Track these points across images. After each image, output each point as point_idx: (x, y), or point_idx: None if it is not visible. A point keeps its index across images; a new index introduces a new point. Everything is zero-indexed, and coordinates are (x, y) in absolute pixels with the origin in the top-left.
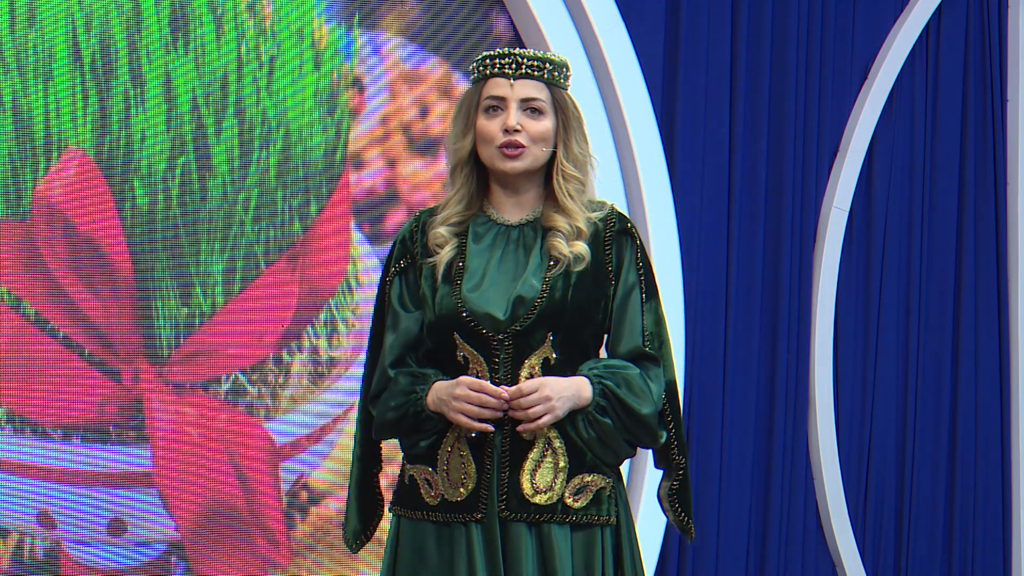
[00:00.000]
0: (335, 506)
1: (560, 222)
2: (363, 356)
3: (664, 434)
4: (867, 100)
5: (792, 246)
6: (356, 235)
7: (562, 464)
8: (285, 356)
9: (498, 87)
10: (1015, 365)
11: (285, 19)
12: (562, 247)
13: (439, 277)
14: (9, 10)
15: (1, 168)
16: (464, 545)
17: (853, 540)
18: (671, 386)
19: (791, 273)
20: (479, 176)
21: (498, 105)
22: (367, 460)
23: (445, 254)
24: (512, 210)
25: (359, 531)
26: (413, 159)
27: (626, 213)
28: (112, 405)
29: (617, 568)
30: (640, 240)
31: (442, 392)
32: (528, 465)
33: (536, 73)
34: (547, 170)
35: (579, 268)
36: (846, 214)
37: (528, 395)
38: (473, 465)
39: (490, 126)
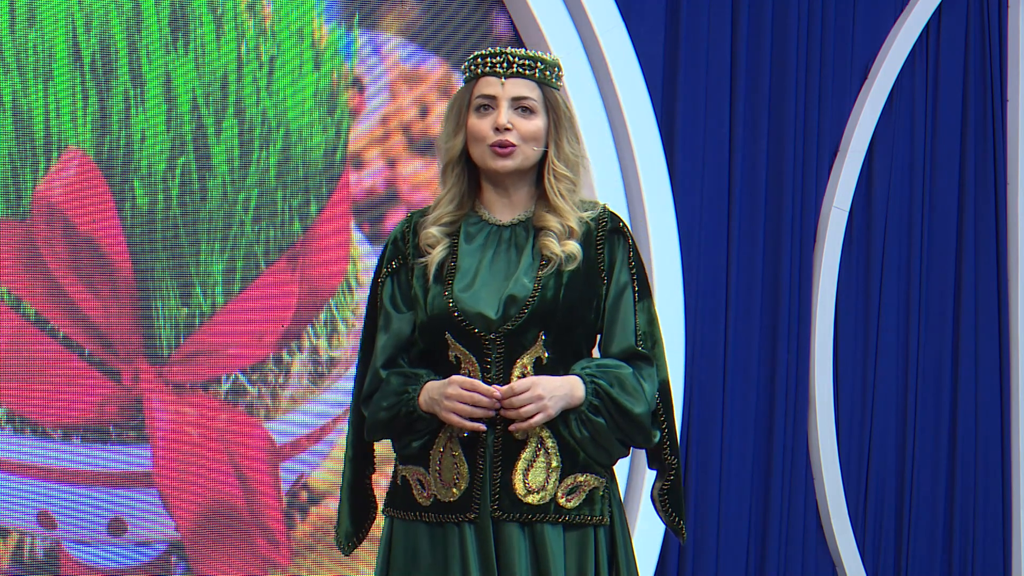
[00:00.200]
0: (335, 506)
1: (552, 222)
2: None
3: (657, 434)
4: (867, 100)
5: (792, 246)
6: (356, 235)
7: (555, 464)
8: (285, 356)
9: (489, 86)
10: (1015, 365)
11: (285, 19)
12: (554, 246)
13: (431, 277)
14: (9, 10)
15: (1, 168)
16: (457, 546)
17: (853, 540)
18: (664, 386)
19: (791, 273)
20: (470, 175)
21: (489, 104)
22: (359, 461)
23: (437, 254)
24: (504, 210)
25: (351, 533)
26: (413, 159)
27: (625, 213)
28: (112, 405)
29: (612, 569)
30: (632, 240)
31: (434, 392)
32: (520, 465)
33: (527, 72)
34: (538, 170)
35: (571, 267)
36: (846, 214)
37: (520, 394)
38: (466, 465)
39: (481, 125)
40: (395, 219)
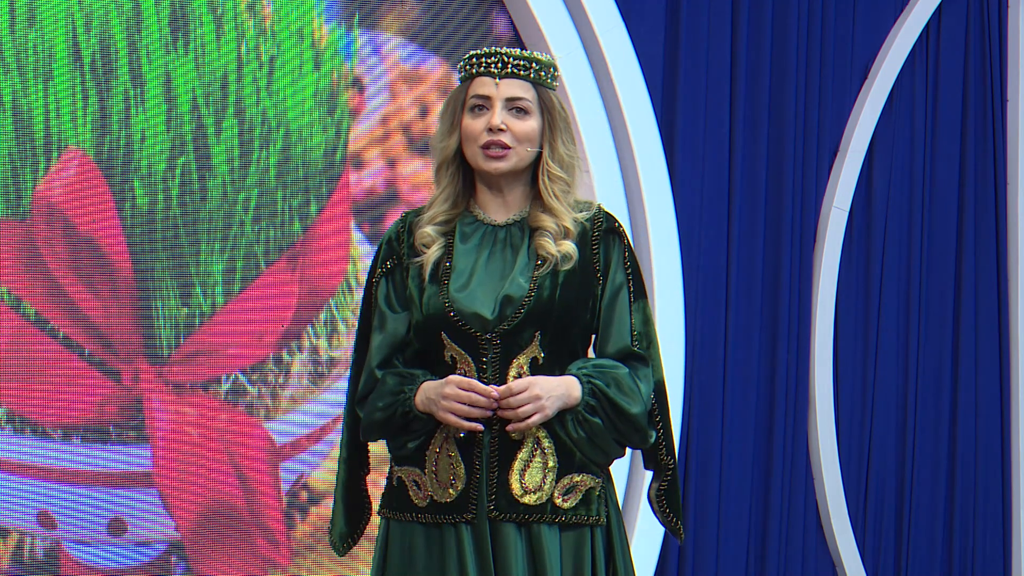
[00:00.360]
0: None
1: (547, 222)
2: None
3: (653, 434)
4: (867, 100)
5: (792, 246)
6: (356, 235)
7: (551, 464)
8: (285, 356)
9: (484, 86)
10: (1015, 365)
11: (285, 19)
12: (550, 246)
13: (426, 277)
14: (9, 10)
15: (1, 168)
16: (454, 546)
17: (853, 540)
18: (660, 386)
19: (791, 273)
20: (465, 175)
21: (483, 104)
22: (353, 462)
23: (432, 253)
24: (498, 210)
25: (346, 533)
26: (413, 159)
27: (625, 213)
28: (112, 405)
29: (609, 569)
30: (628, 240)
31: (431, 392)
32: (517, 465)
33: (522, 72)
34: (533, 170)
35: (567, 267)
36: (846, 214)
37: (518, 394)
38: (462, 466)
39: (475, 125)
40: (395, 219)
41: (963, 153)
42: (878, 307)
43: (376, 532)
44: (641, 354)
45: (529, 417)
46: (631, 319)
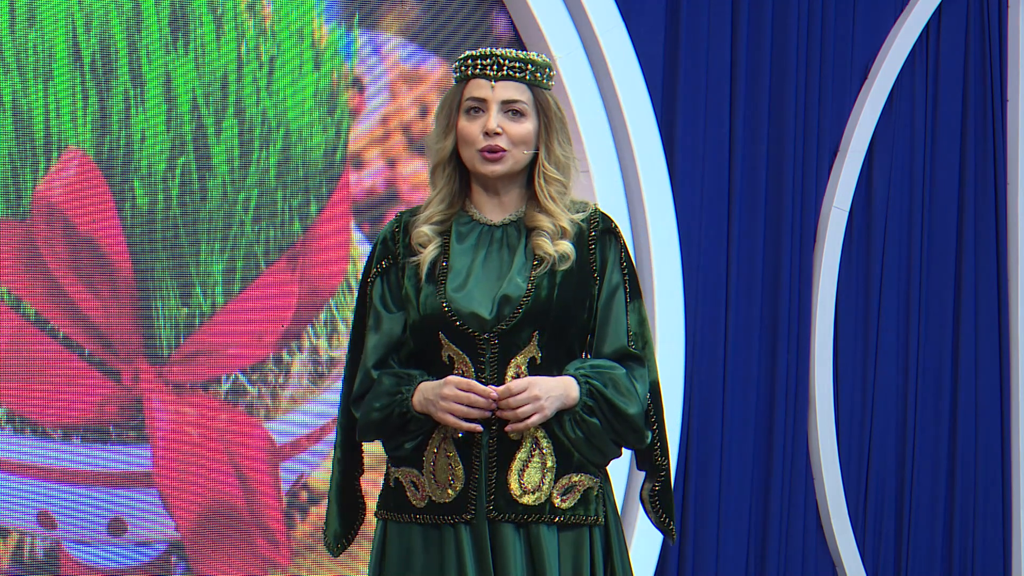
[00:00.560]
0: None
1: (544, 222)
2: None
3: (650, 435)
4: (867, 100)
5: (792, 246)
6: (356, 235)
7: (549, 464)
8: (285, 356)
9: (479, 88)
10: (1015, 365)
11: (285, 19)
12: (547, 246)
13: (423, 276)
14: (9, 10)
15: (1, 168)
16: (453, 547)
17: (853, 540)
18: (655, 387)
19: (791, 273)
20: (461, 176)
21: (479, 107)
22: (348, 463)
23: (428, 253)
24: (494, 210)
25: (340, 534)
26: (413, 159)
27: (625, 213)
28: (112, 405)
29: (607, 568)
30: (623, 240)
31: (429, 392)
32: (516, 465)
33: (518, 75)
34: (529, 171)
35: (564, 267)
36: (846, 214)
37: (517, 394)
38: (461, 466)
39: (471, 128)
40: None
41: (963, 153)
42: (878, 307)
43: (371, 532)
44: (637, 354)
45: (528, 417)
46: (627, 319)
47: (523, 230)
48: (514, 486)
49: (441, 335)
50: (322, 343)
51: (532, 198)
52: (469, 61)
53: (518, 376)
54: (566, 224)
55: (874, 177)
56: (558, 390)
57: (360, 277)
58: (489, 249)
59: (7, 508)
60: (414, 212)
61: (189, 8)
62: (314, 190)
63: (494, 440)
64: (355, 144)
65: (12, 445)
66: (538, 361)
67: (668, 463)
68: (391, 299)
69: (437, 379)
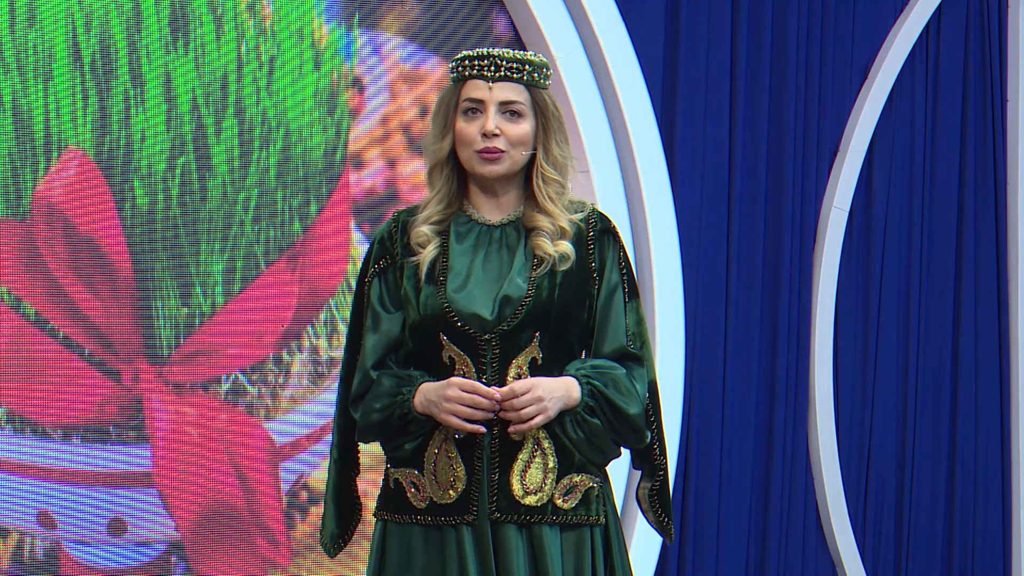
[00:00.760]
0: None
1: (543, 222)
2: None
3: (649, 434)
4: (867, 100)
5: (792, 246)
6: (356, 235)
7: (551, 464)
8: (285, 356)
9: (477, 89)
10: (1015, 365)
11: (285, 19)
12: (547, 246)
13: (422, 277)
14: (9, 10)
15: (1, 168)
16: (455, 548)
17: (853, 540)
18: (653, 386)
19: (791, 273)
20: (458, 176)
21: (477, 108)
22: (344, 463)
23: (428, 253)
24: (492, 210)
25: (337, 535)
26: (413, 159)
27: (625, 213)
28: (112, 405)
29: (608, 568)
30: (621, 240)
31: (431, 394)
32: (518, 466)
33: (515, 75)
34: (527, 171)
35: (564, 267)
36: (846, 214)
37: (521, 395)
38: (462, 467)
39: (469, 129)
40: None
41: (963, 153)
42: (878, 307)
43: (370, 532)
44: (636, 354)
45: (532, 419)
46: (626, 319)
47: (522, 230)
48: (516, 487)
49: (442, 336)
50: (322, 343)
51: (530, 198)
52: (466, 62)
53: (519, 377)
54: (565, 224)
55: (874, 177)
56: (560, 391)
57: (357, 277)
58: (488, 249)
59: (7, 508)
60: (412, 212)
61: (189, 8)
62: (314, 190)
63: (496, 441)
64: (355, 144)
65: (12, 445)
66: (539, 362)
67: (666, 462)
68: (389, 299)
69: (438, 380)
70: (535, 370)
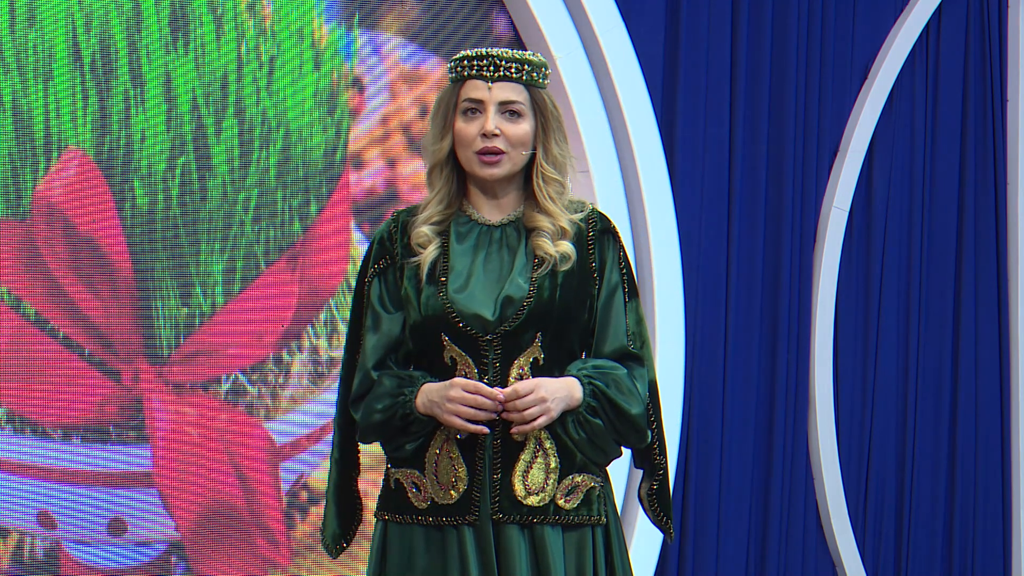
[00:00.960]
0: None
1: (543, 222)
2: None
3: (650, 434)
4: (867, 100)
5: (792, 246)
6: (356, 235)
7: (553, 465)
8: (285, 356)
9: (476, 90)
10: (1015, 365)
11: (285, 19)
12: (548, 247)
13: (423, 277)
14: (9, 10)
15: (1, 168)
16: (456, 548)
17: (853, 540)
18: (653, 386)
19: (791, 273)
20: (458, 176)
21: (476, 108)
22: (345, 463)
23: (429, 254)
24: (492, 211)
25: (339, 535)
26: (413, 159)
27: (625, 213)
28: (112, 405)
29: (609, 568)
30: (621, 240)
31: (433, 394)
32: (520, 466)
33: (514, 75)
34: (526, 171)
35: (565, 268)
36: (846, 214)
37: (524, 396)
38: (464, 467)
39: (468, 130)
40: None
41: (963, 153)
42: (878, 307)
43: (370, 532)
44: (636, 354)
45: (535, 419)
46: (626, 319)
47: (522, 230)
48: (518, 487)
49: (443, 336)
50: (322, 343)
51: (530, 198)
52: (465, 62)
53: (521, 377)
54: (565, 224)
55: (874, 177)
56: (563, 391)
57: (356, 277)
58: (489, 250)
59: (7, 508)
60: (411, 212)
61: (189, 8)
62: (314, 190)
63: (498, 442)
64: (355, 144)
65: (12, 445)
66: (540, 362)
67: (666, 462)
68: (389, 299)
69: (439, 381)
70: (536, 370)
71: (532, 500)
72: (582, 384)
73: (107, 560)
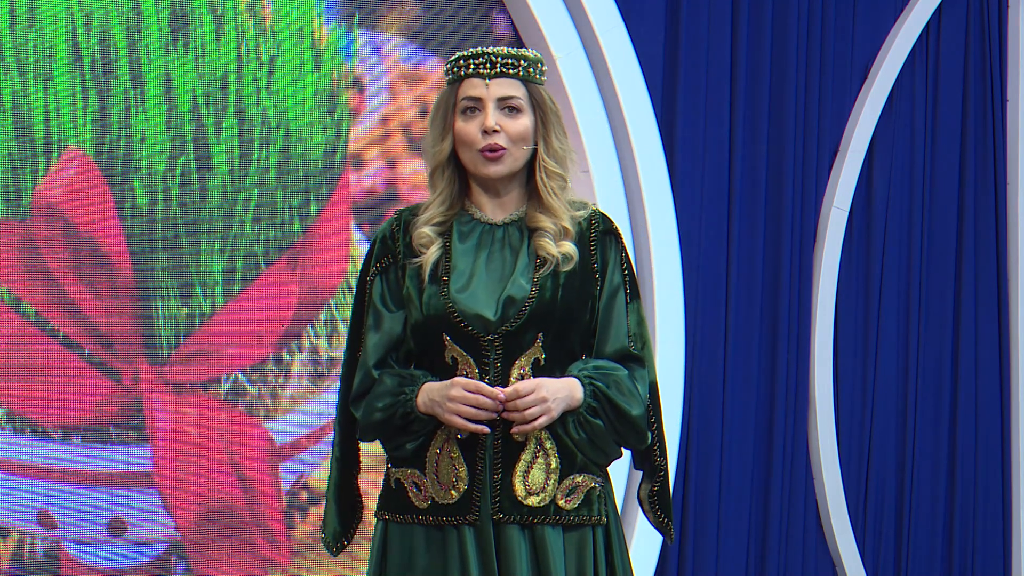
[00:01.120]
0: None
1: (546, 222)
2: None
3: (650, 435)
4: (867, 100)
5: (792, 246)
6: (356, 235)
7: (553, 465)
8: (285, 356)
9: (474, 88)
10: (1015, 365)
11: (285, 19)
12: (550, 247)
13: (426, 277)
14: (9, 10)
15: (1, 168)
16: (456, 548)
17: (853, 540)
18: (653, 387)
19: (791, 273)
20: (460, 176)
21: (475, 106)
22: (346, 462)
23: (431, 254)
24: (495, 210)
25: (339, 533)
26: (413, 159)
27: (625, 213)
28: (112, 405)
29: (609, 568)
30: (623, 241)
31: (435, 393)
32: (520, 467)
33: (511, 71)
34: (528, 168)
35: (567, 268)
36: (846, 214)
37: (525, 396)
38: (464, 467)
39: (468, 128)
40: None
41: (963, 153)
42: (878, 307)
43: (370, 532)
44: (637, 355)
45: (536, 419)
46: (627, 320)
47: (525, 230)
48: (519, 487)
49: (445, 336)
50: (322, 343)
51: (532, 196)
52: (461, 62)
53: (522, 377)
54: (568, 223)
55: (874, 177)
56: (564, 392)
57: (358, 276)
58: (491, 249)
59: (7, 508)
60: (414, 211)
61: (189, 8)
62: (314, 190)
63: (499, 442)
64: (355, 144)
65: (12, 445)
66: (542, 362)
67: (667, 463)
68: (391, 298)
69: (440, 380)
70: (537, 371)
71: (532, 500)
72: (583, 385)
73: (107, 560)
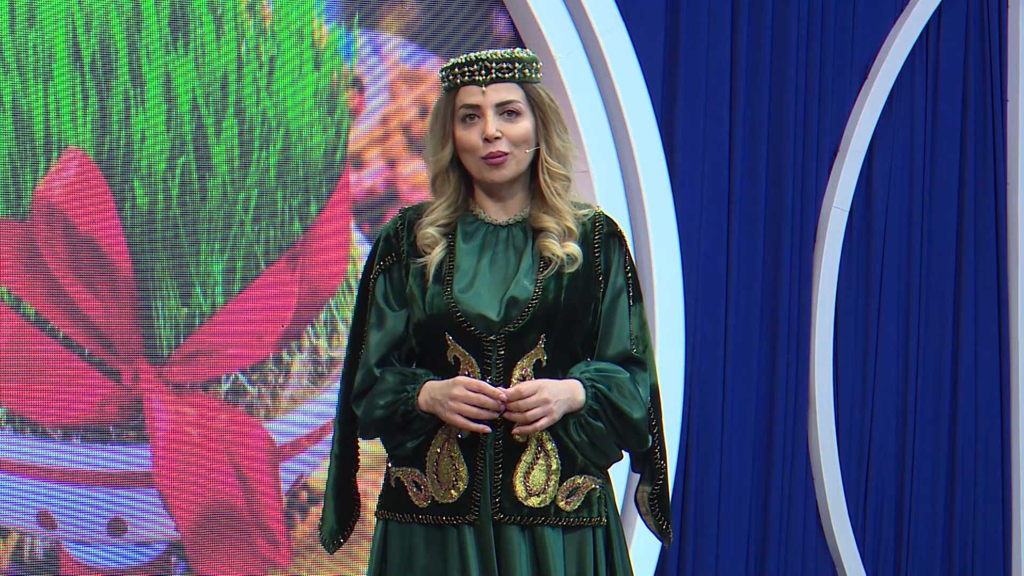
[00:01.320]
0: None
1: (550, 223)
2: None
3: (651, 438)
4: (867, 100)
5: (792, 246)
6: (356, 235)
7: (554, 466)
8: (285, 356)
9: (471, 95)
10: (1015, 365)
11: (285, 19)
12: (555, 248)
13: (429, 277)
14: (9, 10)
15: (1, 168)
16: (456, 547)
17: (853, 540)
18: (655, 390)
19: (791, 273)
20: (463, 180)
21: (474, 113)
22: (345, 459)
23: (436, 254)
24: (499, 211)
25: (337, 531)
26: (413, 159)
27: (625, 213)
28: (112, 405)
29: (609, 569)
30: (627, 243)
31: (436, 392)
32: (521, 467)
33: (507, 75)
34: (531, 168)
35: (571, 270)
36: (846, 214)
37: (527, 397)
38: (465, 467)
39: (469, 136)
40: None
41: (963, 153)
42: (878, 307)
43: (370, 532)
44: (639, 358)
45: (537, 420)
46: (630, 323)
47: (529, 231)
48: (519, 488)
49: (448, 336)
50: (322, 343)
51: (536, 197)
52: (456, 69)
53: (524, 378)
54: (572, 224)
55: (874, 177)
56: (565, 393)
57: (361, 273)
58: (495, 250)
59: (7, 508)
60: (418, 210)
61: (189, 8)
62: (314, 190)
63: (499, 442)
64: (355, 144)
65: (12, 445)
66: (543, 364)
67: (666, 466)
68: (394, 296)
69: (442, 379)
70: (539, 372)
71: (533, 501)
72: (584, 387)
73: (107, 560)
